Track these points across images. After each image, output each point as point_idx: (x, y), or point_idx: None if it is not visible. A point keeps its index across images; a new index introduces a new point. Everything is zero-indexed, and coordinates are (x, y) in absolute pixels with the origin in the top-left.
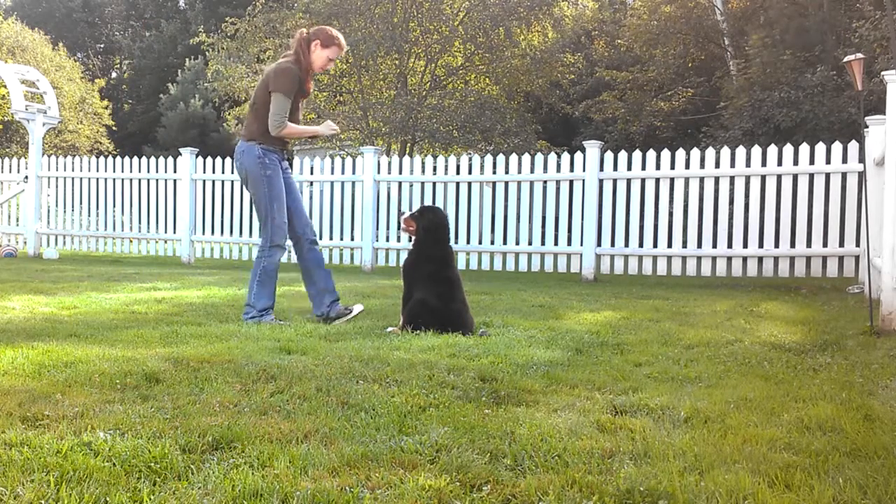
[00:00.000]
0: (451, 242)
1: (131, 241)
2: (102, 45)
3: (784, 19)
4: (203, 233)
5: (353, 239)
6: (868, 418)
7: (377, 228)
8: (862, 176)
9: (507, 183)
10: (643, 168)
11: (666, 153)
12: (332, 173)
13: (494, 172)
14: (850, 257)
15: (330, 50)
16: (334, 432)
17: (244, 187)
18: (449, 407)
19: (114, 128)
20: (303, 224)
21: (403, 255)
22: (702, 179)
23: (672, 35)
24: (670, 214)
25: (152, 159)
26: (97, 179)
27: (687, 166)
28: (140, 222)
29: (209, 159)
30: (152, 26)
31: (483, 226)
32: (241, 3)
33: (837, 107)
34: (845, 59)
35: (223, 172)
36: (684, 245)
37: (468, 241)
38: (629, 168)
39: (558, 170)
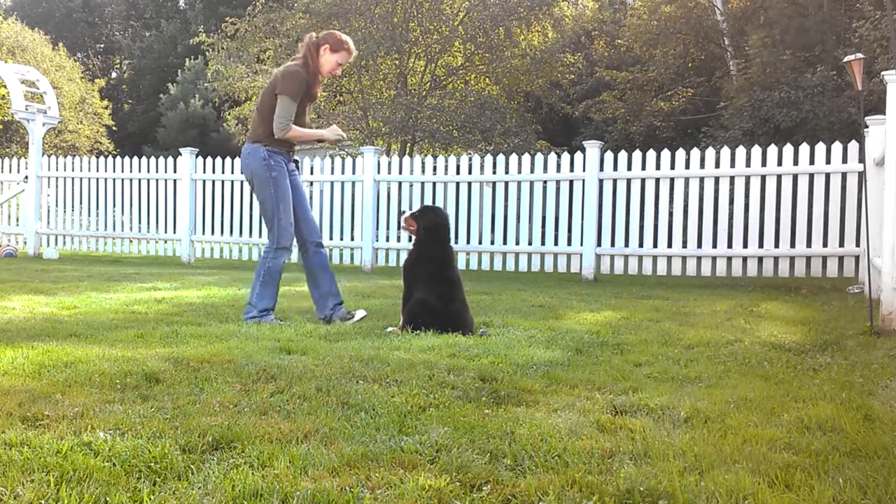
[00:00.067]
0: (452, 242)
1: (131, 241)
2: (102, 45)
3: (784, 19)
4: (203, 233)
5: (353, 239)
6: (868, 418)
7: (377, 228)
8: (862, 176)
9: (507, 183)
10: (643, 168)
11: (666, 153)
12: (332, 173)
13: (494, 172)
14: (850, 257)
15: (339, 55)
16: (334, 432)
17: (251, 190)
18: (449, 407)
19: (114, 128)
20: (309, 226)
21: (403, 255)
22: (702, 179)
23: (672, 35)
24: (670, 214)
25: (152, 159)
26: (97, 179)
27: (687, 166)
28: (140, 222)
29: (209, 159)
30: (152, 26)
31: (483, 226)
32: (241, 3)
33: (837, 107)
34: (845, 59)
35: (223, 172)
36: (684, 245)
37: (468, 241)
38: (629, 168)
39: (558, 170)
